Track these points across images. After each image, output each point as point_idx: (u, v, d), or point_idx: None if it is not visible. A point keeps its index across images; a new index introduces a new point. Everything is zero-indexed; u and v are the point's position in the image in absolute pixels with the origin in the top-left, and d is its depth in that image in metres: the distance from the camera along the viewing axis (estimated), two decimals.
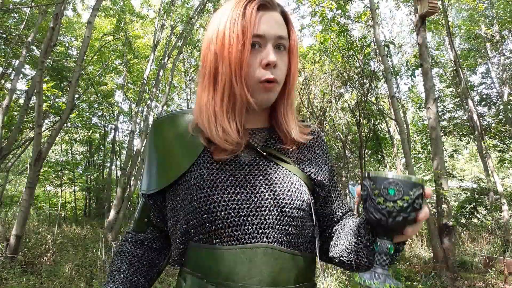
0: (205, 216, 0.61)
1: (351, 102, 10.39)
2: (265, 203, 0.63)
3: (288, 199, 0.64)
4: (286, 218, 0.63)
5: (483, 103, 10.33)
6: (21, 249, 4.42)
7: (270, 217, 0.63)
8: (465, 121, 9.70)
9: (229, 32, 0.62)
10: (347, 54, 8.67)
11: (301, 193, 0.66)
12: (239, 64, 0.62)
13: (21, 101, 8.11)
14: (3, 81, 8.32)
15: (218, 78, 0.64)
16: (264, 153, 0.69)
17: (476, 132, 7.80)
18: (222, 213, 0.62)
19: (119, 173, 10.05)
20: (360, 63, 8.68)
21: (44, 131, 8.48)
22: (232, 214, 0.62)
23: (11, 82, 6.74)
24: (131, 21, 11.33)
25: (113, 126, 12.98)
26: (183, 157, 0.67)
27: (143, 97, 9.90)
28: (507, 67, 10.04)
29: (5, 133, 7.10)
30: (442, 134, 9.28)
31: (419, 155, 11.62)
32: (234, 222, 0.61)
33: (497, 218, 7.53)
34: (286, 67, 0.67)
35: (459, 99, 9.81)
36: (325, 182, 0.73)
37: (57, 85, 8.72)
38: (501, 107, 9.64)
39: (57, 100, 9.07)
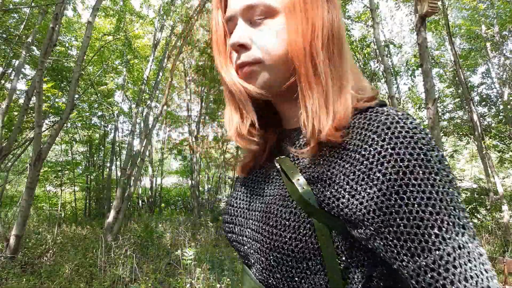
0: (233, 243, 0.60)
1: None
2: (256, 238, 0.51)
3: (276, 243, 0.47)
4: (275, 264, 0.47)
5: (483, 103, 10.33)
6: (21, 249, 4.42)
7: (258, 257, 0.50)
8: (465, 121, 9.70)
9: (213, 28, 0.56)
10: None
11: (296, 238, 0.45)
12: (220, 61, 0.54)
13: (21, 101, 8.11)
14: (3, 81, 8.32)
15: None
16: (278, 166, 0.53)
17: (476, 133, 7.80)
18: (235, 245, 0.58)
19: (119, 173, 10.06)
20: (360, 63, 8.68)
21: (44, 131, 8.48)
22: (240, 248, 0.57)
23: (11, 82, 6.74)
24: (131, 21, 11.34)
25: (113, 126, 12.98)
26: None
27: (143, 97, 9.90)
28: (507, 67, 10.04)
29: (5, 133, 7.10)
30: (442, 134, 9.28)
31: None
32: (245, 256, 0.56)
33: (497, 218, 7.53)
34: (276, 37, 0.49)
35: (459, 99, 9.81)
36: (360, 216, 0.41)
37: (57, 85, 8.72)
38: (501, 107, 9.64)
39: (57, 100, 9.07)
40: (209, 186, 14.39)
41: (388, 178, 0.39)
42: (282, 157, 0.53)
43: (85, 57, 5.84)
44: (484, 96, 10.44)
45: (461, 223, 0.37)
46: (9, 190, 12.89)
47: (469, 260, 0.36)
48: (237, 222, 0.57)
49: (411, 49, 12.20)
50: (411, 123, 0.42)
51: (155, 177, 15.45)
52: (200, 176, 13.42)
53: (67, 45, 10.13)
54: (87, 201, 12.84)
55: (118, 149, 13.30)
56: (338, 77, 0.49)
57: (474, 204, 8.05)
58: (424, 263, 0.36)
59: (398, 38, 12.60)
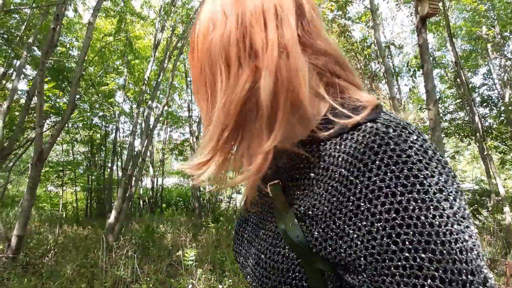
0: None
1: None
2: (249, 272, 0.48)
3: (264, 285, 0.44)
4: None
5: (485, 104, 10.32)
6: (22, 249, 4.43)
7: None
8: (467, 122, 9.68)
9: None
10: (348, 55, 8.67)
11: (286, 282, 0.41)
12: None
13: (23, 101, 8.12)
14: (4, 82, 8.33)
15: None
16: (268, 204, 0.49)
17: (478, 134, 7.79)
18: (238, 253, 0.56)
19: (120, 174, 10.06)
20: (361, 64, 8.68)
21: (45, 131, 8.49)
22: (241, 260, 0.55)
23: (12, 82, 6.76)
24: (132, 21, 11.35)
25: (114, 127, 13.00)
26: None
27: (144, 98, 9.91)
28: (509, 69, 10.03)
29: (7, 133, 7.11)
30: (443, 135, 9.27)
31: None
32: (244, 270, 0.53)
33: (499, 220, 7.51)
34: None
35: (460, 100, 9.80)
36: (350, 258, 0.36)
37: (58, 86, 8.73)
38: (503, 108, 9.62)
39: (58, 100, 9.09)
40: (211, 186, 14.37)
41: (378, 218, 0.33)
42: (275, 183, 0.46)
43: (86, 58, 5.85)
44: (486, 97, 10.42)
45: (469, 268, 0.30)
46: (10, 190, 12.92)
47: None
48: (241, 252, 0.54)
49: (412, 50, 12.20)
50: (404, 141, 0.35)
51: (156, 178, 15.45)
52: None
53: (68, 45, 10.16)
54: (88, 201, 12.85)
55: (119, 149, 13.32)
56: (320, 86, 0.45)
57: (475, 205, 8.03)
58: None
59: (399, 39, 12.60)
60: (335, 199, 0.37)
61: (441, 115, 10.27)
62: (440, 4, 6.74)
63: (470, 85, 10.34)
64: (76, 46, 10.56)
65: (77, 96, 8.12)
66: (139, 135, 8.76)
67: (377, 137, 0.36)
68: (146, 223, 7.97)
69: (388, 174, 0.33)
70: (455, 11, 12.01)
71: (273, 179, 0.47)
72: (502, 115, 9.38)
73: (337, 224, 0.36)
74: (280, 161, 0.46)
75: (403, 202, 0.32)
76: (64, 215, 10.91)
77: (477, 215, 7.95)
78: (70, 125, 10.91)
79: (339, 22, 7.70)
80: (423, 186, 0.32)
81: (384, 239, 0.32)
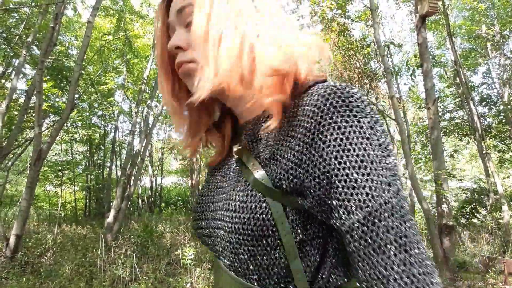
0: (199, 233, 0.63)
1: None
2: (219, 225, 0.54)
3: (236, 225, 0.50)
4: (238, 246, 0.50)
5: (484, 103, 10.32)
6: (21, 248, 4.42)
7: (223, 243, 0.53)
8: (466, 121, 9.69)
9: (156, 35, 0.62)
10: (347, 54, 8.66)
11: (250, 212, 0.49)
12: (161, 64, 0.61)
13: (21, 100, 8.10)
14: (3, 81, 8.32)
15: None
16: (237, 156, 0.56)
17: (477, 133, 7.80)
18: (198, 232, 0.63)
19: (119, 173, 10.05)
20: (360, 63, 8.67)
21: (44, 130, 8.48)
22: (201, 235, 0.62)
23: (11, 81, 6.74)
24: (131, 20, 11.33)
25: (113, 126, 12.98)
26: None
27: (143, 97, 9.90)
28: (508, 68, 10.03)
29: (5, 133, 7.10)
30: (442, 134, 9.28)
31: (419, 156, 11.61)
32: (212, 244, 0.58)
33: (497, 219, 7.53)
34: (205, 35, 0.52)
35: (459, 99, 9.80)
36: (307, 186, 0.46)
37: (57, 85, 8.71)
38: (502, 107, 9.63)
39: (57, 99, 9.07)
40: None
41: (328, 145, 0.44)
42: (239, 147, 0.55)
43: (85, 57, 5.84)
44: (485, 96, 10.43)
45: (387, 181, 0.42)
46: (9, 190, 12.90)
47: (392, 214, 0.41)
48: (203, 217, 0.61)
49: (411, 49, 12.20)
50: (348, 92, 0.46)
51: (155, 177, 15.45)
52: (200, 175, 13.40)
53: (67, 44, 10.13)
54: (87, 200, 12.84)
55: (118, 148, 13.30)
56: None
57: (474, 204, 8.04)
58: (357, 219, 0.41)
59: (398, 38, 12.60)
60: (293, 138, 0.48)
61: (440, 114, 10.27)
62: (440, 2, 6.74)
63: (470, 84, 10.35)
64: (75, 45, 10.54)
65: (76, 96, 8.11)
66: (138, 135, 8.75)
67: (327, 88, 0.47)
68: (145, 223, 7.96)
69: (335, 113, 0.45)
70: (454, 10, 12.01)
71: (238, 143, 0.58)
72: (501, 114, 9.39)
73: (296, 156, 0.47)
74: (246, 129, 0.57)
75: (346, 133, 0.44)
76: (62, 215, 10.90)
77: (475, 214, 7.97)
78: (69, 125, 10.89)
79: (339, 21, 7.69)
80: (359, 122, 0.45)
81: (332, 160, 0.43)
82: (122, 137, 14.14)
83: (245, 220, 0.49)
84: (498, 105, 10.05)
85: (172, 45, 0.55)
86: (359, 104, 0.46)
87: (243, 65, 0.50)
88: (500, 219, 7.34)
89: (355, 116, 0.45)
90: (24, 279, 3.80)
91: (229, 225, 0.51)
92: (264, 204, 0.48)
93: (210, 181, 0.64)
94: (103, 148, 13.66)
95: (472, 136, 9.00)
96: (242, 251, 0.49)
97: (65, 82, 8.87)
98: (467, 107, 8.54)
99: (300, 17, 8.43)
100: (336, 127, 0.44)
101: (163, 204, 14.94)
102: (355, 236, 0.42)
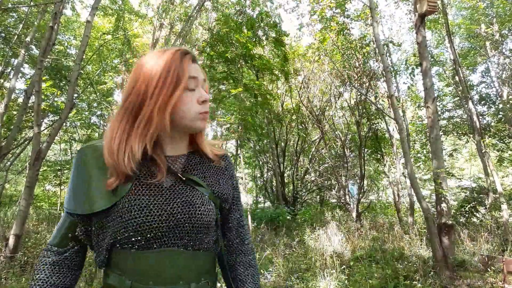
0: (132, 233, 0.76)
1: (350, 101, 10.39)
2: (180, 221, 0.79)
3: (199, 216, 0.81)
4: (196, 229, 0.81)
5: (483, 102, 10.33)
6: (20, 248, 4.42)
7: (183, 230, 0.80)
8: (465, 120, 9.70)
9: (165, 74, 0.78)
10: (346, 53, 8.66)
11: (210, 211, 0.84)
12: (167, 99, 0.77)
13: (20, 100, 8.08)
14: (2, 80, 8.30)
15: (141, 112, 0.78)
16: (184, 178, 0.84)
17: (476, 132, 7.81)
18: (146, 231, 0.76)
19: None
20: (360, 62, 8.67)
21: (43, 130, 8.46)
22: (154, 231, 0.77)
23: (10, 81, 6.73)
24: (130, 20, 11.31)
25: None
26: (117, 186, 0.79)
27: None
28: (507, 66, 10.04)
29: (4, 133, 7.08)
30: (442, 133, 9.29)
31: (419, 154, 11.62)
32: (154, 236, 0.77)
33: (496, 218, 7.54)
34: None
35: (458, 98, 9.81)
36: (229, 198, 0.94)
37: (56, 84, 8.70)
38: (501, 106, 9.65)
39: (56, 99, 9.05)
40: None
41: (233, 182, 0.99)
42: (187, 174, 0.87)
43: (84, 56, 5.83)
44: (484, 95, 10.43)
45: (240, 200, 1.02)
46: (8, 190, 12.88)
47: (242, 215, 1.01)
48: (160, 216, 0.78)
49: (410, 47, 12.19)
50: (231, 160, 1.01)
51: None
52: None
53: (66, 44, 10.12)
54: None
55: None
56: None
57: (473, 203, 8.05)
58: (239, 214, 1.00)
59: (397, 37, 12.59)
60: (227, 177, 0.96)
61: (439, 112, 10.28)
62: (439, 1, 6.74)
63: (468, 83, 10.35)
64: (74, 44, 10.52)
65: (75, 95, 8.09)
66: None
67: (228, 157, 1.00)
68: None
69: (232, 171, 1.00)
70: (453, 8, 12.01)
71: (188, 171, 0.89)
72: (500, 113, 9.40)
73: (227, 185, 0.95)
74: (193, 162, 0.91)
75: (234, 178, 1.00)
76: (62, 214, 10.87)
77: (474, 213, 7.98)
78: (68, 124, 10.87)
79: (338, 20, 7.68)
80: (234, 176, 1.01)
81: (235, 186, 1.00)
82: None
83: (205, 215, 0.83)
84: (497, 104, 10.06)
85: (207, 98, 0.85)
86: (232, 164, 1.03)
87: None
88: (499, 218, 7.35)
89: (233, 173, 1.02)
90: (23, 279, 3.80)
91: (194, 217, 0.81)
92: (212, 206, 0.86)
93: (147, 199, 0.79)
94: None
95: (471, 135, 9.01)
96: (191, 234, 0.81)
97: (64, 82, 8.85)
98: (466, 106, 8.55)
99: (300, 16, 8.41)
100: (233, 175, 1.01)
101: None
102: (239, 220, 1.00)
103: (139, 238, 0.76)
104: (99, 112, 12.50)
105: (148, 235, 0.77)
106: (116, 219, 0.77)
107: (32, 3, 6.71)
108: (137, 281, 0.76)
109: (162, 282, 0.76)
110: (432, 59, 9.51)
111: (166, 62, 0.79)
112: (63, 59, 8.98)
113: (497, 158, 9.55)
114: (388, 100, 8.75)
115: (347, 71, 9.16)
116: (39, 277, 0.82)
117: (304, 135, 11.87)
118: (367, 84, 8.59)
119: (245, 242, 0.98)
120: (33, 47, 8.36)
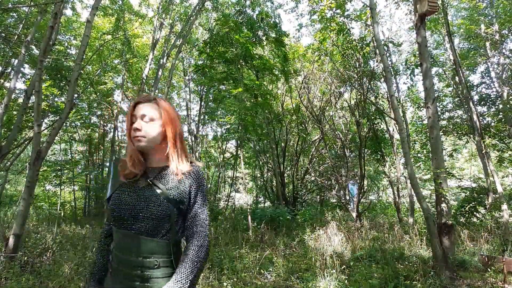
0: (111, 216, 1.23)
1: (350, 101, 10.39)
2: (141, 211, 1.18)
3: (152, 209, 1.18)
4: (150, 218, 1.18)
5: (483, 102, 10.32)
6: (20, 248, 4.42)
7: (144, 219, 1.18)
8: (465, 120, 9.69)
9: (127, 117, 1.29)
10: (346, 53, 8.66)
11: (161, 206, 1.19)
12: (128, 131, 1.28)
13: (20, 100, 8.09)
14: (2, 80, 8.30)
15: None
16: (151, 182, 1.24)
17: (476, 132, 7.80)
18: (122, 215, 1.20)
19: None
20: (360, 62, 8.67)
21: (43, 130, 8.46)
22: (126, 216, 1.19)
23: (10, 81, 6.73)
24: (130, 20, 11.31)
25: (112, 126, 12.96)
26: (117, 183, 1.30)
27: None
28: (507, 67, 10.04)
29: (5, 133, 7.09)
30: (442, 133, 9.28)
31: (419, 155, 11.62)
32: (122, 219, 1.20)
33: (497, 218, 7.53)
34: (155, 129, 1.25)
35: (458, 98, 9.80)
36: (184, 201, 1.25)
37: (56, 84, 8.70)
38: (501, 106, 9.64)
39: (56, 99, 9.05)
40: (209, 185, 14.39)
41: (192, 190, 1.28)
42: (152, 179, 1.26)
43: (84, 56, 5.83)
44: (484, 96, 10.42)
45: (205, 203, 1.32)
46: (8, 190, 12.88)
47: (203, 211, 1.29)
48: (126, 206, 1.20)
49: (410, 48, 12.19)
50: (201, 173, 1.32)
51: None
52: None
53: (66, 44, 10.11)
54: (87, 200, 12.82)
55: (117, 148, 13.27)
56: (183, 151, 1.30)
57: (473, 203, 8.04)
58: (195, 214, 1.27)
59: (397, 37, 12.59)
60: (188, 185, 1.27)
61: (439, 113, 10.28)
62: (439, 1, 6.73)
63: (468, 83, 10.35)
64: (74, 44, 10.52)
65: (75, 95, 8.09)
66: None
67: (197, 167, 1.33)
68: None
69: (199, 179, 1.31)
70: (452, 9, 12.01)
71: (157, 179, 1.27)
72: (500, 113, 9.39)
73: (185, 191, 1.26)
74: (163, 173, 1.28)
75: (198, 188, 1.30)
76: (62, 214, 10.89)
77: (475, 213, 7.97)
78: (68, 124, 10.88)
79: (338, 20, 7.68)
80: (203, 187, 1.32)
81: (199, 192, 1.30)
82: (122, 136, 14.12)
83: (160, 209, 1.18)
84: (497, 104, 10.06)
85: (135, 127, 1.22)
86: (204, 179, 1.32)
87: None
88: (499, 218, 7.35)
89: (204, 184, 1.32)
90: (23, 279, 3.80)
91: (152, 210, 1.18)
92: (167, 204, 1.20)
93: (129, 188, 1.26)
94: (102, 147, 13.64)
95: (471, 135, 9.01)
96: (155, 222, 1.18)
97: (64, 82, 8.85)
98: (466, 106, 8.55)
99: (299, 16, 8.41)
100: (200, 184, 1.31)
101: None
102: (197, 214, 1.27)
103: (114, 220, 1.22)
104: (99, 112, 12.51)
105: (118, 219, 1.20)
106: (109, 206, 1.24)
107: (32, 3, 6.72)
108: (115, 249, 1.23)
109: (125, 253, 1.18)
110: (432, 60, 9.49)
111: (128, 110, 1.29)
112: (63, 59, 8.99)
113: (497, 158, 9.53)
114: (388, 100, 8.75)
115: (347, 71, 9.16)
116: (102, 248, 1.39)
117: (304, 135, 11.88)
118: (367, 84, 8.59)
119: (195, 235, 1.25)
120: (33, 47, 8.37)
